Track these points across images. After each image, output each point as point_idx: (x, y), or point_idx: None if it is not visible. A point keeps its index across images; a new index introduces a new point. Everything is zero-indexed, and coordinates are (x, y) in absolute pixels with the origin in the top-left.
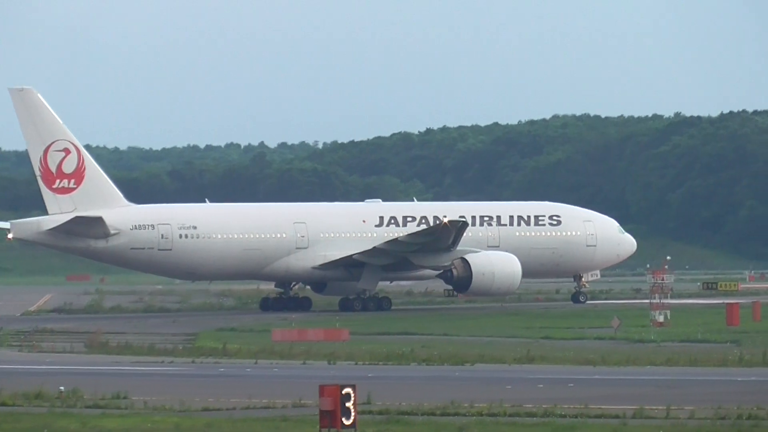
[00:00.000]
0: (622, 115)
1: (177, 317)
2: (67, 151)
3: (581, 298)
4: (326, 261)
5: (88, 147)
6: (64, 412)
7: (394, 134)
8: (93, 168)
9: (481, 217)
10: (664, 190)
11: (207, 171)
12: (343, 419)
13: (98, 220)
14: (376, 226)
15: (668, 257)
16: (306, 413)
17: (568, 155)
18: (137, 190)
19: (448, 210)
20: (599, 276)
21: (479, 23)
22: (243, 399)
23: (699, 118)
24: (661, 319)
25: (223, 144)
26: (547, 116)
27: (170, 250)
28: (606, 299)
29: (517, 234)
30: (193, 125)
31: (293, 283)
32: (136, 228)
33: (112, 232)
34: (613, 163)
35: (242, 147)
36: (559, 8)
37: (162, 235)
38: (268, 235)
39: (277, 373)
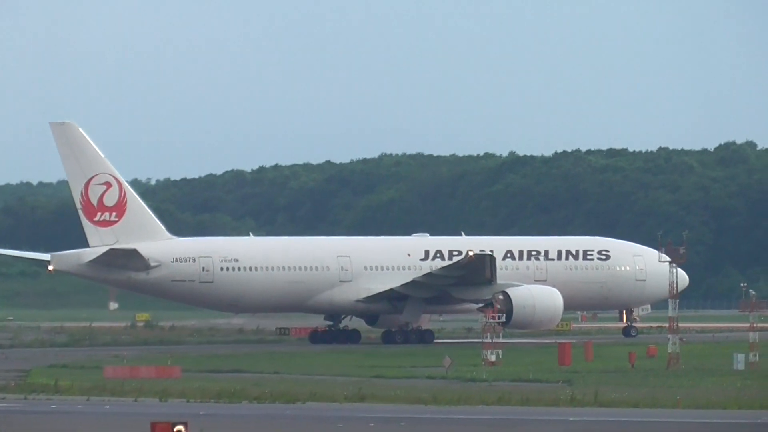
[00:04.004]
0: (454, 154)
1: (9, 353)
2: (108, 184)
3: (632, 332)
4: (370, 294)
5: None
6: None
7: (226, 172)
8: (135, 201)
9: (529, 251)
10: (497, 229)
11: (39, 207)
12: None
13: (134, 253)
14: (421, 259)
15: (501, 296)
16: None
17: (401, 194)
18: None
19: (495, 245)
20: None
21: (309, 60)
22: None
23: (532, 157)
24: (493, 358)
25: (55, 181)
26: (379, 155)
27: (212, 282)
28: (437, 338)
29: (565, 268)
30: (27, 162)
31: (343, 315)
32: (177, 261)
33: (153, 264)
34: (445, 202)
35: None
36: (389, 51)
37: (203, 268)
38: (312, 268)
39: (109, 410)
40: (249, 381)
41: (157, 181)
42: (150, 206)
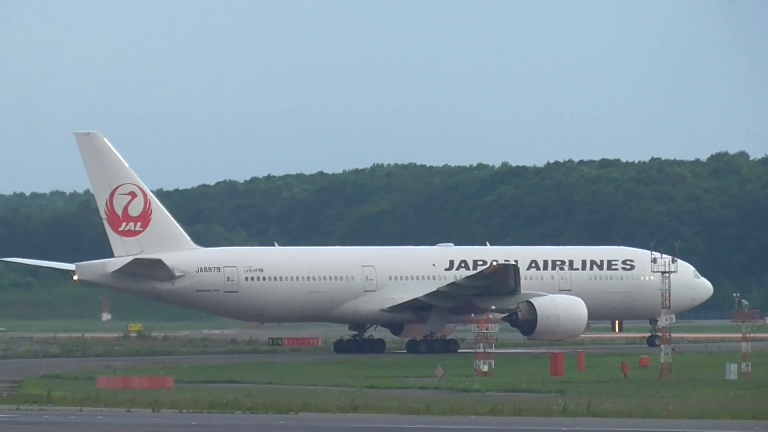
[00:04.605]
0: (447, 165)
1: (1, 364)
2: (133, 194)
3: (656, 342)
4: (394, 304)
5: None
6: None
7: (219, 182)
8: (160, 211)
9: (554, 261)
10: (489, 240)
11: (32, 218)
12: None
13: (158, 263)
14: (446, 269)
15: (493, 307)
16: None
17: (393, 205)
18: None
19: (519, 254)
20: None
21: (301, 70)
22: None
23: (525, 167)
24: (485, 368)
25: (48, 191)
26: (372, 165)
27: (236, 292)
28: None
29: (590, 278)
30: (19, 172)
31: (368, 325)
32: (201, 270)
33: (178, 274)
34: (437, 213)
35: (67, 195)
36: (382, 62)
37: (228, 278)
38: (336, 278)
39: (102, 421)
40: (242, 391)
41: (150, 191)
42: None
